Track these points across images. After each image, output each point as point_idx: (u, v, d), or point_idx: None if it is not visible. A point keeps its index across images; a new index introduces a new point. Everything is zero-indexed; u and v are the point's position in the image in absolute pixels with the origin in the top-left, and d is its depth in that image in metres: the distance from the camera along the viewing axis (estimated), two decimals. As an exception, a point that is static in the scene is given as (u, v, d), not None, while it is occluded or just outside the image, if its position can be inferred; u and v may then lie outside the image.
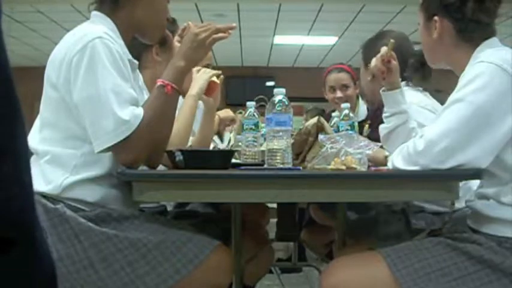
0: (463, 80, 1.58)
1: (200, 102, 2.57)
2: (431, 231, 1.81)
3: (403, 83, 2.23)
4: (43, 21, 8.51)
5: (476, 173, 1.55)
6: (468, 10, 1.65)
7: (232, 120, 2.86)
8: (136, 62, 1.77)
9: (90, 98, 1.56)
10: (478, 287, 1.48)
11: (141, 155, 1.61)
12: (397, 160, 1.58)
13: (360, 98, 3.40)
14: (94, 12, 1.75)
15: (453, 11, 1.68)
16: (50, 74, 1.65)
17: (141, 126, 1.57)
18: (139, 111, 1.59)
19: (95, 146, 1.57)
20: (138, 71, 1.85)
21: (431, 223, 2.07)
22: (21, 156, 0.57)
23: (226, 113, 2.89)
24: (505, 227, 1.53)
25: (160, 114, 1.65)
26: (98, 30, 1.62)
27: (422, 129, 1.63)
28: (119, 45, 1.65)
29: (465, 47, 1.68)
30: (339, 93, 3.33)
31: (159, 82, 1.68)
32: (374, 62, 1.91)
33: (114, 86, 1.57)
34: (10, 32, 9.23)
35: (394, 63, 1.88)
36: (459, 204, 1.91)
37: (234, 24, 1.80)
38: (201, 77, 2.26)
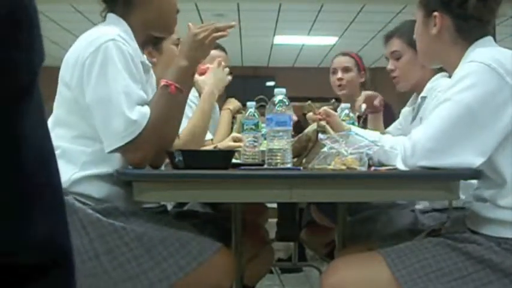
0: (452, 80, 1.58)
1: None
2: (431, 231, 1.81)
3: (443, 74, 2.21)
4: (43, 21, 8.45)
5: (476, 173, 1.55)
6: (470, 7, 1.65)
7: (240, 110, 2.88)
8: (149, 64, 1.79)
9: (101, 100, 1.59)
10: (478, 287, 1.49)
11: (148, 155, 1.63)
12: (399, 163, 1.60)
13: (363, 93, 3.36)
14: (109, 14, 1.78)
15: (455, 7, 1.67)
16: (64, 74, 1.68)
17: (147, 126, 1.60)
18: (146, 110, 1.62)
19: (106, 146, 1.60)
20: (151, 72, 1.87)
21: (438, 220, 2.07)
22: (58, 188, 0.61)
23: (234, 103, 2.93)
24: (504, 228, 1.53)
25: (165, 114, 1.67)
26: (112, 33, 1.64)
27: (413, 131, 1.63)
28: (131, 48, 1.68)
29: (461, 44, 1.68)
30: (339, 75, 3.30)
31: (163, 82, 1.70)
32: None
33: (125, 88, 1.60)
34: (10, 32, 9.22)
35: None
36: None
37: (233, 23, 1.81)
38: (218, 78, 2.35)
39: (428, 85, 2.27)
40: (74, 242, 1.68)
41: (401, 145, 1.60)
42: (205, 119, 2.39)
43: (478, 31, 1.67)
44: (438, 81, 2.24)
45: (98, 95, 1.59)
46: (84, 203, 1.61)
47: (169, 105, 1.69)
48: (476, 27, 1.66)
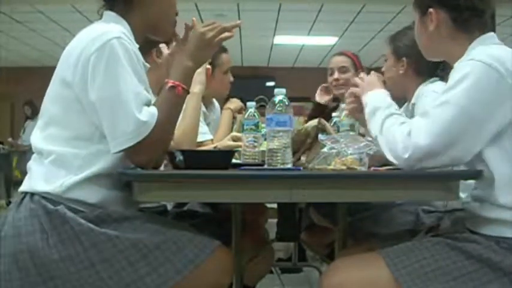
0: (451, 80, 1.58)
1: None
2: (429, 229, 1.81)
3: (439, 82, 2.25)
4: (43, 21, 8.51)
5: (476, 173, 1.56)
6: None
7: (241, 110, 2.89)
8: (148, 65, 1.77)
9: (109, 99, 1.56)
10: (477, 286, 1.49)
11: (154, 156, 1.63)
12: (388, 154, 1.60)
13: None
14: (107, 12, 1.74)
15: (448, 0, 1.68)
16: (63, 72, 1.64)
17: (155, 128, 1.58)
18: (154, 111, 1.61)
19: (112, 146, 1.58)
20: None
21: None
22: None
23: (236, 103, 2.93)
24: (504, 227, 1.53)
25: (171, 115, 1.66)
26: (116, 30, 1.62)
27: (410, 125, 1.61)
28: (134, 47, 1.66)
29: (462, 38, 1.68)
30: (336, 75, 3.31)
31: (169, 83, 1.68)
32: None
33: (134, 88, 1.58)
34: (10, 32, 9.25)
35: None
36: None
37: (239, 22, 1.80)
38: (197, 73, 2.32)
39: (417, 92, 2.30)
40: (68, 251, 1.68)
41: (398, 139, 1.58)
42: (195, 117, 2.38)
43: (476, 22, 1.67)
44: (426, 87, 2.27)
45: (105, 94, 1.56)
46: (76, 211, 1.58)
47: (175, 106, 1.68)
48: (472, 18, 1.67)
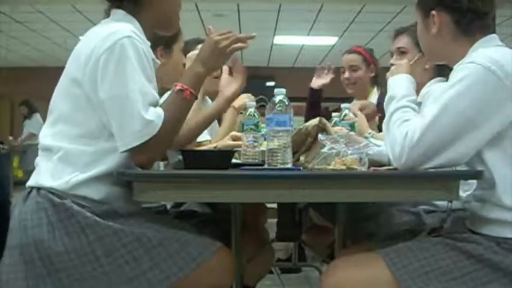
0: (449, 82, 1.58)
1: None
2: (431, 230, 1.81)
3: (444, 84, 2.25)
4: (43, 21, 8.51)
5: (476, 173, 1.56)
6: (465, 0, 1.66)
7: (245, 109, 2.88)
8: (158, 61, 1.79)
9: (118, 98, 1.58)
10: (477, 286, 1.49)
11: (156, 156, 1.65)
12: (390, 156, 1.61)
13: (376, 87, 3.35)
14: (117, 10, 1.75)
15: (451, 2, 1.68)
16: (73, 70, 1.65)
17: (161, 128, 1.59)
18: (160, 111, 1.62)
19: (120, 145, 1.59)
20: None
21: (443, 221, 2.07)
22: None
23: (240, 101, 2.92)
24: (504, 228, 1.54)
25: (177, 118, 1.68)
26: (126, 29, 1.63)
27: (409, 125, 1.61)
28: (145, 45, 1.67)
29: (463, 41, 1.68)
30: (346, 74, 3.32)
31: (178, 86, 1.70)
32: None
33: (142, 87, 1.59)
34: (10, 32, 9.25)
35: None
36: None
37: (253, 34, 1.82)
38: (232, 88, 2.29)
39: (423, 90, 2.29)
40: (73, 244, 1.71)
41: (398, 141, 1.58)
42: (207, 124, 2.37)
43: (478, 24, 1.67)
44: (432, 86, 2.26)
45: (114, 93, 1.58)
46: (83, 206, 1.60)
47: (181, 109, 1.70)
48: (475, 21, 1.66)
